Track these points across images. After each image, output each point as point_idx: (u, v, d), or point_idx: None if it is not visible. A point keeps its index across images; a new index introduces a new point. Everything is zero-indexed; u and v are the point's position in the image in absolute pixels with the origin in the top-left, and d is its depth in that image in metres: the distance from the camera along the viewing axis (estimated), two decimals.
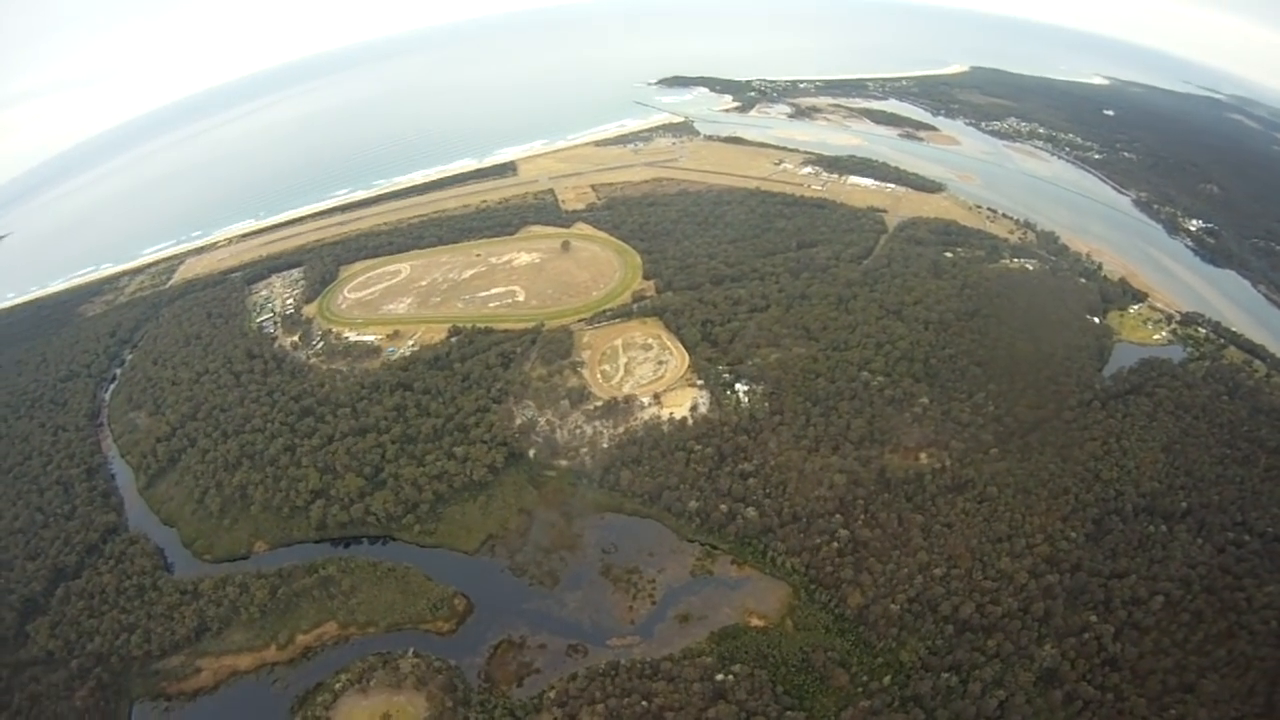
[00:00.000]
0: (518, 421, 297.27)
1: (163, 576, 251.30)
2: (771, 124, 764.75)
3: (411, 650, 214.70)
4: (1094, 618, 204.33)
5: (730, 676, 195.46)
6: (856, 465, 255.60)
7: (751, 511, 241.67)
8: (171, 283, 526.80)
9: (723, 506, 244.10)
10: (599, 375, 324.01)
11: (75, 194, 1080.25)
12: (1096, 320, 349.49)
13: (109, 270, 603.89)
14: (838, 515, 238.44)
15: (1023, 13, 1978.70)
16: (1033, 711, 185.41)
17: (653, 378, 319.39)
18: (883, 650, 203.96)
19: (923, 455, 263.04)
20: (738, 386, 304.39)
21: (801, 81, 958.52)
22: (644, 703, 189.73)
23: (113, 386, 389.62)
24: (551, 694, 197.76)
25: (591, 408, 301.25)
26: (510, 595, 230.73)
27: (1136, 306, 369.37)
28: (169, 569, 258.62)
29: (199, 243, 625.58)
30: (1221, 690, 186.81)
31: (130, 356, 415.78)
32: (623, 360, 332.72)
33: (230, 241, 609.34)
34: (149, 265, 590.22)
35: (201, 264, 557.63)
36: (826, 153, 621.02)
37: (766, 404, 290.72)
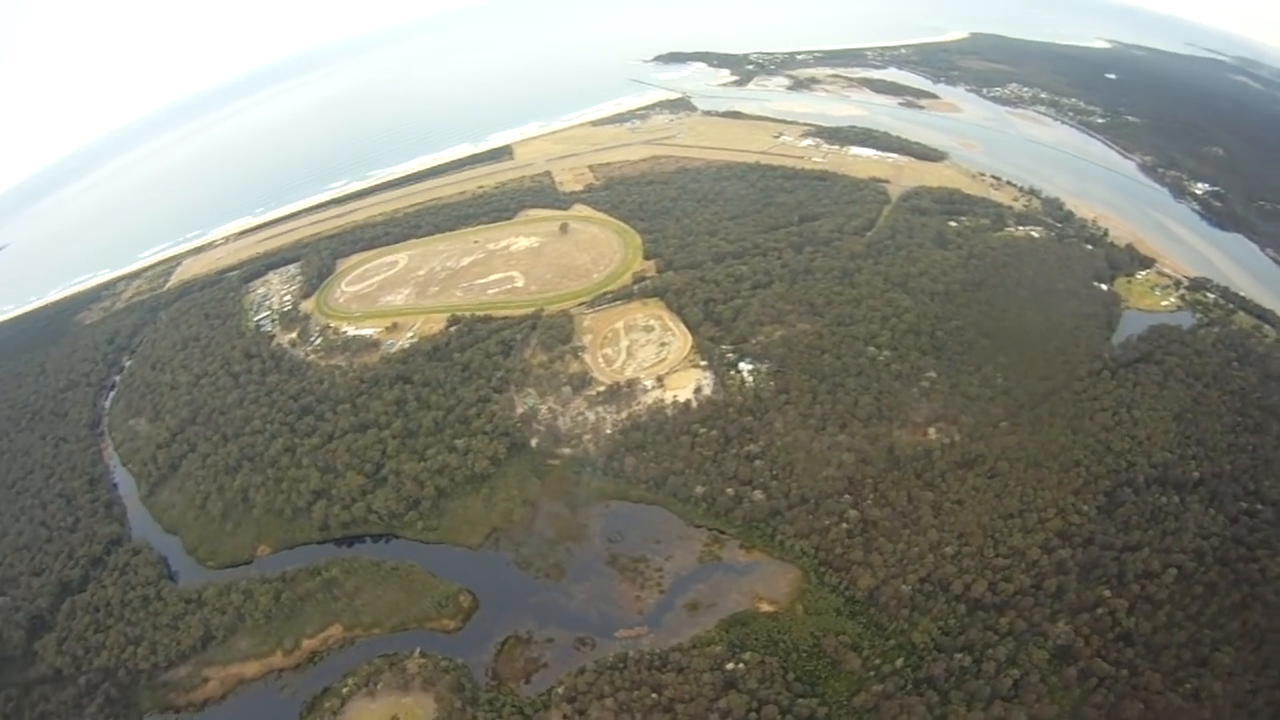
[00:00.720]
0: (519, 410, 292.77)
1: (167, 586, 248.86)
2: (770, 97, 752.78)
3: (418, 650, 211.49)
4: (1107, 592, 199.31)
5: (741, 665, 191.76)
6: (864, 443, 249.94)
7: (758, 494, 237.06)
8: (169, 285, 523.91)
9: (729, 490, 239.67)
10: (600, 360, 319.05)
11: (72, 200, 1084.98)
12: (1104, 287, 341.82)
13: (106, 276, 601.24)
14: (846, 495, 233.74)
15: None
16: (1047, 690, 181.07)
17: (655, 360, 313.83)
18: (894, 632, 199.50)
19: (931, 430, 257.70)
20: (742, 366, 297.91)
21: (799, 53, 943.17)
22: (654, 695, 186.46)
23: (112, 394, 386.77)
24: (560, 690, 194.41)
25: (594, 393, 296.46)
26: (516, 589, 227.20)
27: (1144, 273, 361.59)
28: (173, 578, 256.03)
29: (196, 243, 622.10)
30: (1236, 663, 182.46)
31: (129, 363, 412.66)
32: (624, 343, 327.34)
33: (227, 240, 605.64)
34: (146, 269, 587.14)
35: (199, 264, 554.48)
36: (826, 124, 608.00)
37: (772, 383, 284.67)
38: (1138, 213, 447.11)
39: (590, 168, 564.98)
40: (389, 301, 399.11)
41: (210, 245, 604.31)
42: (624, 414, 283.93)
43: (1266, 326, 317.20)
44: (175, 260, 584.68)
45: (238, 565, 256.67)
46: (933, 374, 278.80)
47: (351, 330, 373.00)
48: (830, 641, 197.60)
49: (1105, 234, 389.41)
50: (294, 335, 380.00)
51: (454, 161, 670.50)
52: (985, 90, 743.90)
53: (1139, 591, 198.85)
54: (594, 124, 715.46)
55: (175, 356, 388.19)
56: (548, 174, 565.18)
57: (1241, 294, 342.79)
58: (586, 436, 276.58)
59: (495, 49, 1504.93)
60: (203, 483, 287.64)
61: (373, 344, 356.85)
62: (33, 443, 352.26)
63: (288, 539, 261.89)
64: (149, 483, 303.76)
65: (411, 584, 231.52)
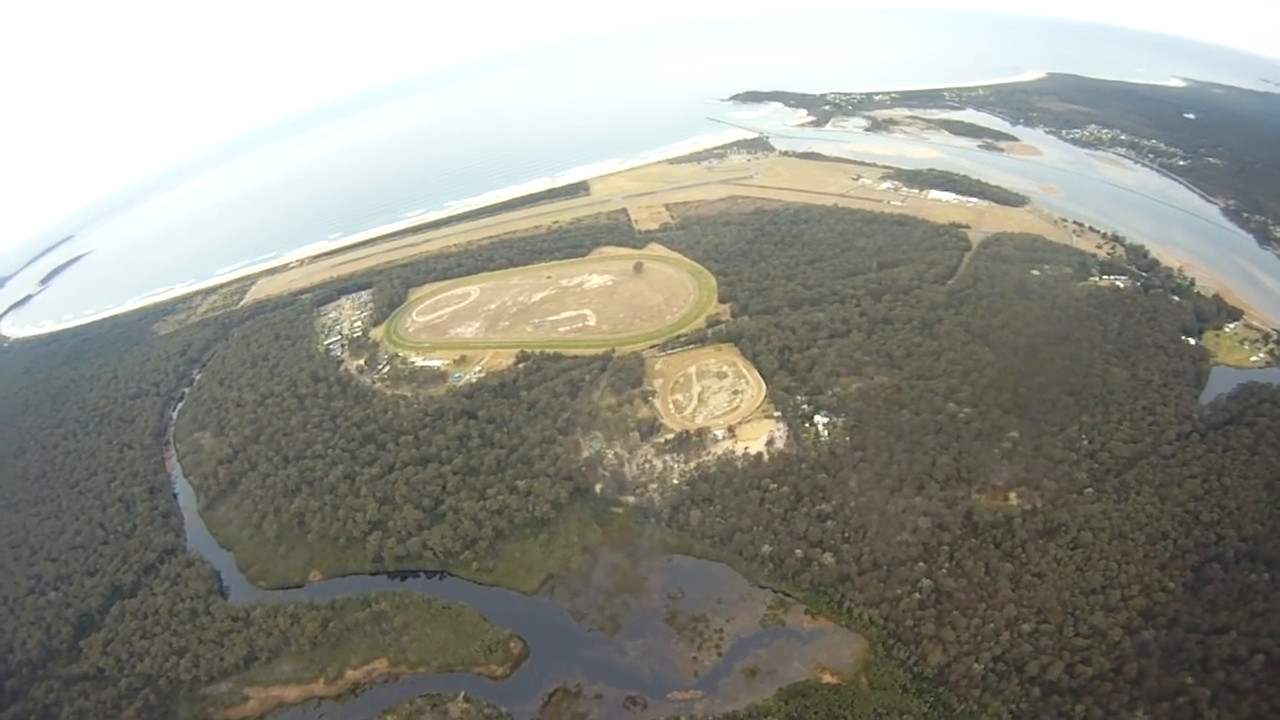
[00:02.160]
0: (584, 454, 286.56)
1: (216, 601, 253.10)
2: (848, 138, 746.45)
3: (463, 694, 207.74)
4: (1190, 680, 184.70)
5: None
6: (942, 507, 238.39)
7: (828, 557, 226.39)
8: (243, 303, 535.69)
9: (798, 551, 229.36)
10: (671, 405, 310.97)
11: (156, 214, 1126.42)
12: (1192, 342, 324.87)
13: (183, 289, 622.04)
14: (921, 563, 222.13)
15: (1093, 16, 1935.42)
16: None
17: (727, 408, 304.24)
18: (963, 714, 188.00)
19: (1012, 495, 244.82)
20: (817, 419, 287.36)
21: (876, 94, 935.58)
22: None
23: (180, 405, 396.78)
24: None
25: (662, 440, 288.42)
26: (568, 640, 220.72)
27: (1232, 325, 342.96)
28: (223, 593, 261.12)
29: (272, 263, 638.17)
30: None
31: (199, 376, 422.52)
32: (696, 389, 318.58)
33: (302, 263, 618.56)
34: (222, 285, 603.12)
35: (273, 285, 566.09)
36: (905, 166, 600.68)
37: (847, 438, 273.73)
38: (1223, 260, 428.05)
39: (666, 206, 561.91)
40: (459, 334, 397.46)
41: (285, 267, 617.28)
42: (692, 464, 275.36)
43: None
44: (250, 279, 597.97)
45: (288, 588, 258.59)
46: (1015, 434, 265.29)
47: (419, 361, 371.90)
48: None
49: (1191, 284, 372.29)
50: (362, 362, 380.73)
51: (530, 195, 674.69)
52: (1064, 132, 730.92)
53: (1223, 679, 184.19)
54: (671, 162, 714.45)
55: (244, 374, 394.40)
56: (624, 211, 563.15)
57: None
58: (652, 485, 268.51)
59: (571, 87, 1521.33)
60: (260, 502, 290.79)
61: (440, 376, 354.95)
62: (98, 446, 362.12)
63: (340, 567, 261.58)
64: (208, 496, 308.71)
65: (462, 625, 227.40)
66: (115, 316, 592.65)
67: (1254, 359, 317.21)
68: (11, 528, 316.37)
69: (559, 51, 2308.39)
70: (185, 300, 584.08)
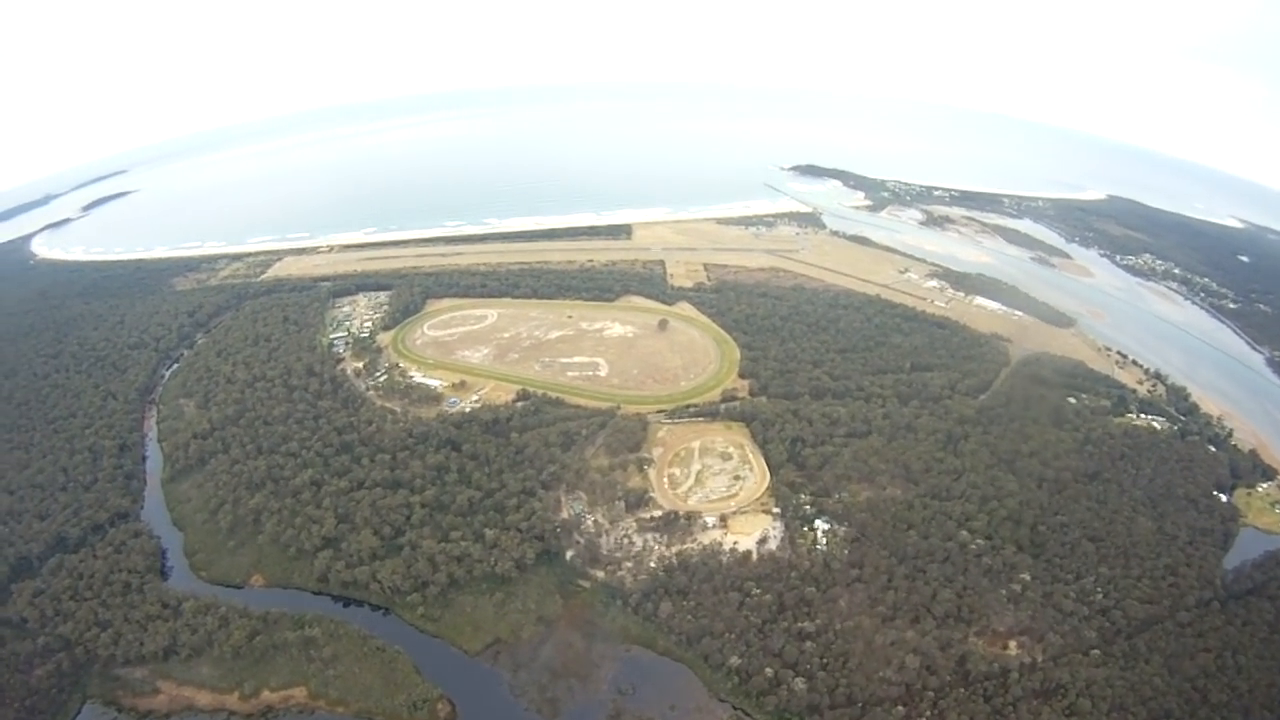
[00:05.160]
0: (563, 514, 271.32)
1: (153, 581, 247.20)
2: (901, 228, 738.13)
3: None
4: None
5: None
6: (934, 646, 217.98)
7: (800, 683, 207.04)
8: (264, 276, 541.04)
9: (769, 670, 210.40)
10: (666, 479, 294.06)
11: (210, 168, 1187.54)
12: (1224, 498, 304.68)
13: (212, 249, 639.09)
14: (900, 707, 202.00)
15: (1156, 146, 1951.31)
16: None
17: (724, 494, 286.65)
18: None
19: (1013, 645, 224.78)
20: (818, 524, 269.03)
21: (936, 188, 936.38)
22: None
23: (174, 367, 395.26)
24: None
25: (648, 516, 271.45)
26: (501, 716, 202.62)
27: (1265, 485, 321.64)
28: (164, 574, 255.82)
29: (302, 243, 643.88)
30: None
31: (201, 341, 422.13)
32: (696, 467, 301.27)
33: (331, 249, 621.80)
34: (250, 254, 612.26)
35: (298, 265, 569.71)
36: (954, 267, 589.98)
37: (846, 552, 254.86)
38: (1262, 413, 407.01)
39: (705, 265, 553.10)
40: (465, 357, 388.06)
41: (314, 249, 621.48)
42: (674, 549, 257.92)
43: None
44: (277, 254, 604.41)
45: (228, 586, 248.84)
46: (1026, 576, 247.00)
47: (418, 376, 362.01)
48: None
49: (1229, 435, 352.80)
50: (361, 365, 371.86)
51: (571, 228, 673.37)
52: (1118, 257, 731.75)
53: None
54: (719, 221, 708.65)
55: (243, 350, 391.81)
56: (660, 263, 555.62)
57: None
58: (627, 564, 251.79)
59: (639, 125, 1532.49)
60: (223, 488, 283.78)
61: (435, 397, 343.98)
62: (85, 388, 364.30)
63: (284, 577, 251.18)
64: (174, 468, 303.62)
65: (393, 672, 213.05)
66: (141, 261, 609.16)
67: None
68: None
69: (633, 91, 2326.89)
70: (210, 260, 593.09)
